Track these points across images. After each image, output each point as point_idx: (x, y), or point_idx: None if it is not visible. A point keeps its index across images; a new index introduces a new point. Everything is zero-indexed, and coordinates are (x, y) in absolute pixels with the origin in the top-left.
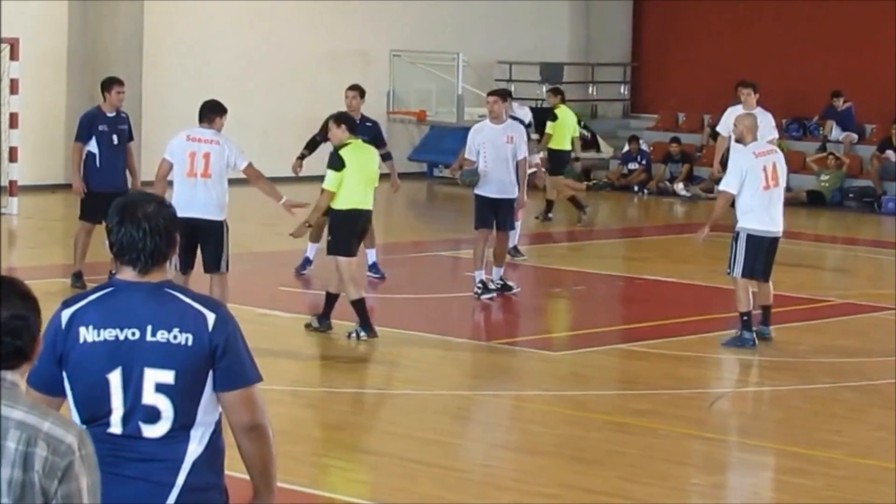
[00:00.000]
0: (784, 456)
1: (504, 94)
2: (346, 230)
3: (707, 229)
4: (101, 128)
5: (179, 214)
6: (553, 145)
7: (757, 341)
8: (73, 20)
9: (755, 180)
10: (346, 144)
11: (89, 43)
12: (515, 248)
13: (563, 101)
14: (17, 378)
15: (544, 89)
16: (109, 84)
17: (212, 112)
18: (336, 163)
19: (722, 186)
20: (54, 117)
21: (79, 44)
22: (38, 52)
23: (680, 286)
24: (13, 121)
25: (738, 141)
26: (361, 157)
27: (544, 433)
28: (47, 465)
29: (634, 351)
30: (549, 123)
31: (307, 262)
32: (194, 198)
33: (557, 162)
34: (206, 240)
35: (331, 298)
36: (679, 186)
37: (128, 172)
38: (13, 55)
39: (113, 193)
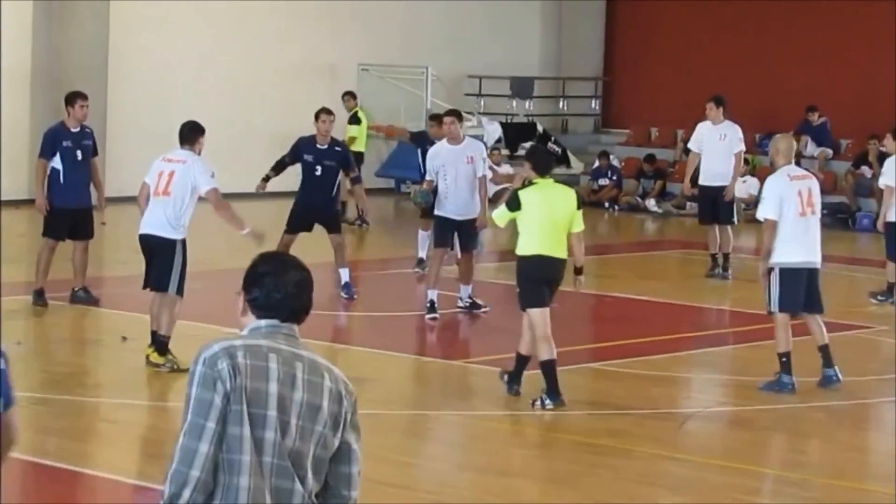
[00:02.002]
0: (754, 477)
1: (460, 115)
2: (534, 278)
3: (764, 265)
4: (64, 143)
5: (139, 231)
6: None
7: (796, 386)
8: (38, 35)
9: (791, 206)
10: (533, 183)
11: (54, 58)
12: (421, 259)
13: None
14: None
15: (514, 104)
16: (73, 98)
17: (192, 133)
18: (512, 203)
19: (760, 215)
20: (18, 132)
21: (43, 58)
22: (1, 67)
23: (651, 304)
24: None
25: (770, 165)
26: (550, 198)
27: (512, 454)
28: (347, 402)
29: (604, 370)
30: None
31: None
32: (151, 215)
33: None
34: (155, 256)
35: (522, 360)
36: (651, 202)
37: (93, 188)
38: None
39: (77, 210)
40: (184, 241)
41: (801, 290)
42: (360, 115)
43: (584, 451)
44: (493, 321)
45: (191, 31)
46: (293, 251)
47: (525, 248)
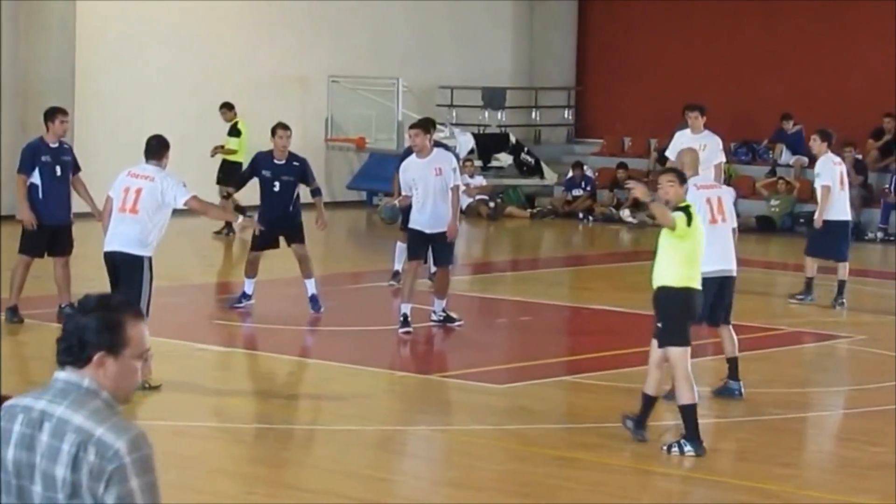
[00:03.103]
0: (736, 490)
1: (426, 126)
2: (682, 313)
3: None
4: (43, 159)
5: (105, 248)
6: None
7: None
8: (4, 51)
9: (701, 213)
10: (689, 205)
11: (20, 74)
12: (397, 272)
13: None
14: (89, 380)
15: (486, 114)
16: (52, 114)
17: (158, 147)
18: (688, 218)
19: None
20: None
21: (9, 75)
22: None
23: (627, 316)
24: None
25: None
26: (685, 233)
27: (488, 469)
28: (94, 469)
29: (581, 383)
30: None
31: (244, 296)
32: (117, 231)
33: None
34: (122, 275)
35: (650, 401)
36: (625, 213)
37: (73, 203)
38: None
39: (55, 226)
40: (150, 259)
41: (707, 301)
42: (241, 126)
43: (561, 466)
44: (467, 335)
45: (158, 43)
46: (261, 265)
47: (679, 278)
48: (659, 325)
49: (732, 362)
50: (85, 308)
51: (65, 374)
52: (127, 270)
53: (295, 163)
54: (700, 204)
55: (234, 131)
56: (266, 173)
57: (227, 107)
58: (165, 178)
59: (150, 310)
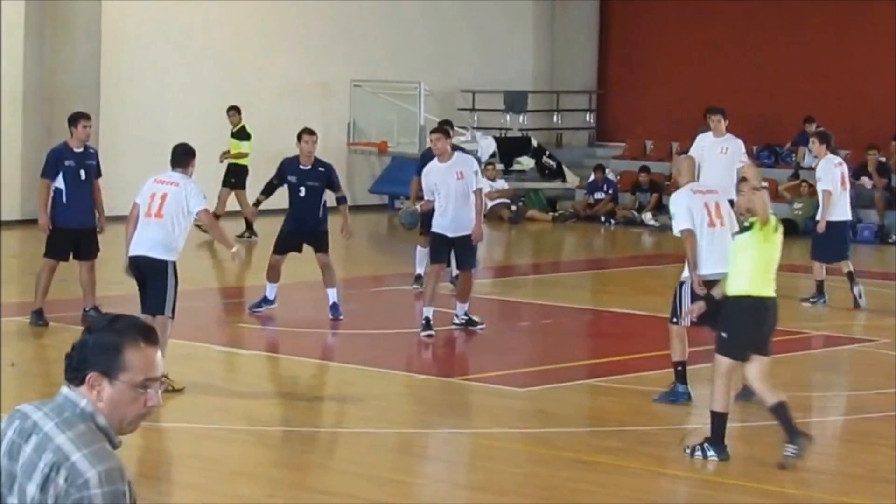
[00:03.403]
0: (757, 495)
1: (446, 131)
2: (752, 325)
3: (696, 277)
4: (67, 163)
5: (130, 253)
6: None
7: (692, 395)
8: (29, 56)
9: (699, 217)
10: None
11: (45, 79)
12: (419, 276)
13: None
14: (87, 402)
15: (508, 118)
16: (76, 119)
17: (184, 155)
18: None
19: (676, 230)
20: (11, 153)
21: (34, 79)
22: None
23: (648, 319)
24: None
25: (674, 186)
26: (769, 235)
27: (509, 472)
28: (61, 494)
29: (602, 386)
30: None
31: (265, 300)
32: (143, 236)
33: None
34: (148, 279)
35: (719, 419)
36: (647, 216)
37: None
38: None
39: (80, 230)
40: (175, 264)
41: (713, 304)
42: (248, 129)
43: (582, 469)
44: (488, 338)
45: (181, 49)
46: (283, 268)
47: (754, 286)
48: (723, 334)
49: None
50: (93, 326)
51: (66, 391)
52: (152, 275)
53: (321, 168)
54: (698, 208)
55: (243, 134)
56: (292, 178)
57: (234, 110)
58: (189, 184)
59: (175, 313)
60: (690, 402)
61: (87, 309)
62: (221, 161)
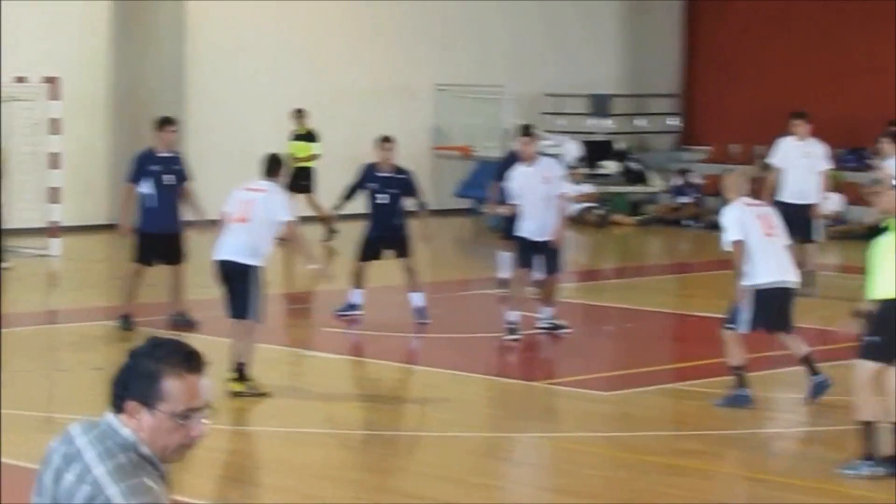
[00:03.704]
0: (841, 498)
1: (532, 135)
2: None
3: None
4: (153, 168)
5: (215, 257)
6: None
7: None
8: (115, 58)
9: (753, 229)
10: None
11: (131, 81)
12: (503, 280)
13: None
14: (130, 432)
15: (593, 122)
16: (162, 124)
17: (274, 165)
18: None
19: (726, 242)
20: (96, 157)
21: (121, 82)
22: (79, 91)
23: None
24: (54, 161)
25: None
26: None
27: (593, 475)
28: None
29: (686, 390)
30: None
31: (351, 306)
32: (229, 241)
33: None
34: (232, 283)
35: (871, 429)
36: None
37: (182, 211)
38: (54, 94)
39: (166, 235)
40: (260, 269)
41: (770, 311)
42: (314, 131)
43: (666, 473)
44: (573, 342)
45: (268, 53)
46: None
47: None
48: (875, 338)
49: (806, 360)
50: (135, 352)
51: (110, 417)
52: (237, 279)
53: (400, 175)
54: (751, 220)
55: (312, 136)
56: (372, 185)
57: (300, 112)
58: (278, 193)
59: (262, 317)
60: (752, 405)
61: (174, 313)
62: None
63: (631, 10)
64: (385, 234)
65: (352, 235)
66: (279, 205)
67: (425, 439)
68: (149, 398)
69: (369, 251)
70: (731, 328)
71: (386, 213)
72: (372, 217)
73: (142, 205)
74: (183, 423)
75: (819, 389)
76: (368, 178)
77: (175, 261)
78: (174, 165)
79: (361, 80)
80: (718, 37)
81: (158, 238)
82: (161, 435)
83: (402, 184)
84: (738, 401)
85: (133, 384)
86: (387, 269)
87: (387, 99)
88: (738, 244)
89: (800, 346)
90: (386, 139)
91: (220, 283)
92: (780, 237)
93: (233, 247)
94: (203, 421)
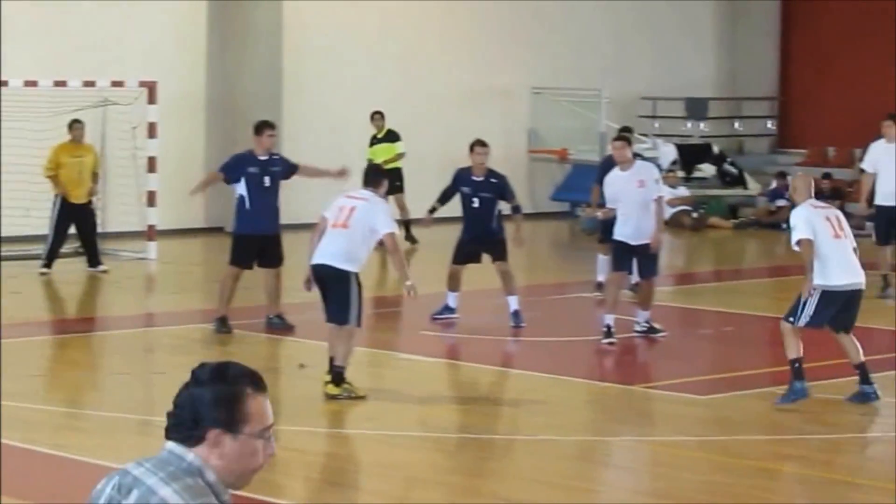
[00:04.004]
0: None
1: (628, 139)
2: None
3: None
4: (251, 170)
5: (312, 261)
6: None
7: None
8: (212, 63)
9: (822, 230)
10: None
11: (228, 86)
12: (600, 283)
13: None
14: (195, 457)
15: (689, 125)
16: (261, 127)
17: (376, 176)
18: None
19: (794, 241)
20: (193, 161)
21: (217, 87)
22: (176, 96)
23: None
24: (151, 165)
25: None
26: None
27: (691, 479)
28: None
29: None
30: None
31: (447, 308)
32: (327, 246)
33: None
34: (329, 288)
35: None
36: None
37: (280, 214)
38: (151, 98)
39: (263, 237)
40: (357, 274)
41: (836, 310)
42: (394, 131)
43: (764, 477)
44: (670, 345)
45: (364, 57)
46: (465, 277)
47: None
48: None
49: (861, 367)
50: (200, 379)
51: (172, 446)
52: (334, 284)
53: (493, 179)
54: (820, 221)
55: (392, 136)
56: (465, 190)
57: (379, 114)
58: (380, 203)
59: (361, 321)
60: (807, 398)
61: (272, 316)
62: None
63: (728, 12)
64: (479, 238)
65: (447, 238)
66: (380, 215)
67: (521, 443)
68: (233, 423)
69: (464, 254)
70: (790, 321)
71: (479, 217)
72: (466, 221)
73: (239, 207)
74: (262, 444)
75: (863, 399)
76: (462, 183)
77: (274, 263)
78: (272, 167)
79: (457, 83)
80: (816, 38)
81: (256, 240)
82: (245, 459)
83: (495, 188)
84: (796, 394)
85: (209, 412)
86: (484, 272)
87: (483, 102)
88: (807, 243)
89: (857, 351)
90: (479, 143)
91: (318, 287)
92: (849, 239)
93: (330, 252)
94: (270, 441)
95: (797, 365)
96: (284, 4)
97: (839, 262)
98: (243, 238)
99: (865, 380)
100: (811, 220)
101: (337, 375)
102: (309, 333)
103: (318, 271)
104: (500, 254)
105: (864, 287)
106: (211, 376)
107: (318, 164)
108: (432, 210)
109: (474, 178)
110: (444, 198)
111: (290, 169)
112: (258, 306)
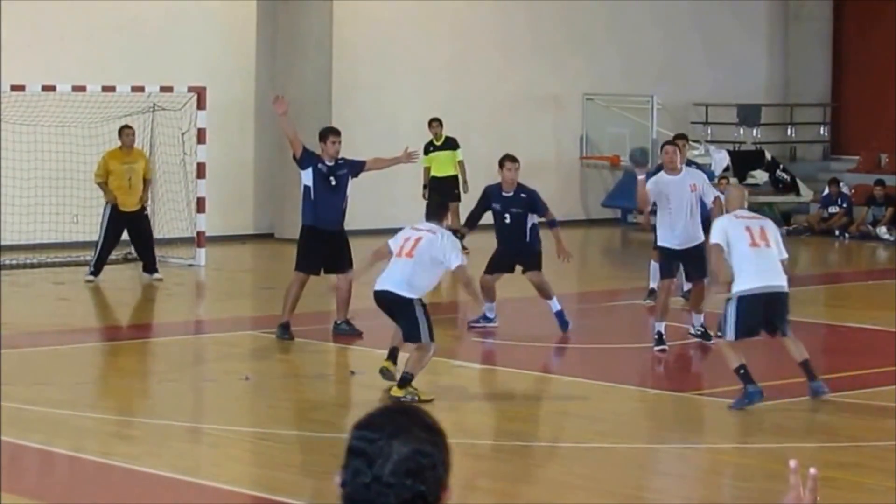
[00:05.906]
0: None
1: (680, 145)
2: None
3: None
4: (320, 166)
5: (376, 287)
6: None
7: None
8: (261, 69)
9: (739, 238)
10: None
11: (277, 90)
12: (652, 290)
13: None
14: None
15: (741, 131)
16: (325, 134)
17: (439, 209)
18: None
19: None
20: (242, 167)
21: (267, 93)
22: (225, 101)
23: (883, 334)
24: (200, 171)
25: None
26: None
27: (742, 487)
28: None
29: (836, 402)
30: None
31: (485, 318)
32: (391, 273)
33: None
34: (396, 313)
35: None
36: (882, 230)
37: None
38: (200, 104)
39: (329, 232)
40: (420, 299)
41: (759, 314)
42: (452, 138)
43: (819, 485)
44: (722, 353)
45: (414, 64)
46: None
47: None
48: None
49: (805, 365)
50: (406, 430)
51: None
52: (398, 309)
53: (523, 194)
54: (738, 230)
55: (452, 143)
56: (496, 206)
57: (437, 121)
58: (447, 236)
59: (433, 336)
60: (763, 399)
61: (339, 322)
62: (466, 191)
63: (781, 19)
64: (513, 253)
65: (485, 245)
66: (448, 249)
67: (572, 450)
68: (447, 474)
69: (497, 264)
70: (720, 336)
71: (512, 232)
72: (499, 237)
73: (304, 198)
74: None
75: (815, 394)
76: (492, 199)
77: (343, 268)
78: (339, 171)
79: (509, 90)
80: (868, 44)
81: (321, 236)
82: None
83: (525, 203)
84: (750, 397)
85: (434, 476)
86: (522, 280)
87: (534, 109)
88: (716, 248)
89: (799, 350)
90: (509, 158)
91: (382, 310)
92: (773, 248)
93: (393, 279)
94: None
95: (742, 371)
96: (335, 5)
97: (756, 269)
98: (308, 232)
99: (812, 377)
100: (727, 229)
101: (403, 380)
102: (375, 341)
103: (380, 297)
104: (533, 265)
105: (785, 290)
106: (425, 424)
107: (374, 175)
108: (462, 236)
109: (504, 193)
110: (472, 220)
111: (357, 167)
112: (314, 313)
